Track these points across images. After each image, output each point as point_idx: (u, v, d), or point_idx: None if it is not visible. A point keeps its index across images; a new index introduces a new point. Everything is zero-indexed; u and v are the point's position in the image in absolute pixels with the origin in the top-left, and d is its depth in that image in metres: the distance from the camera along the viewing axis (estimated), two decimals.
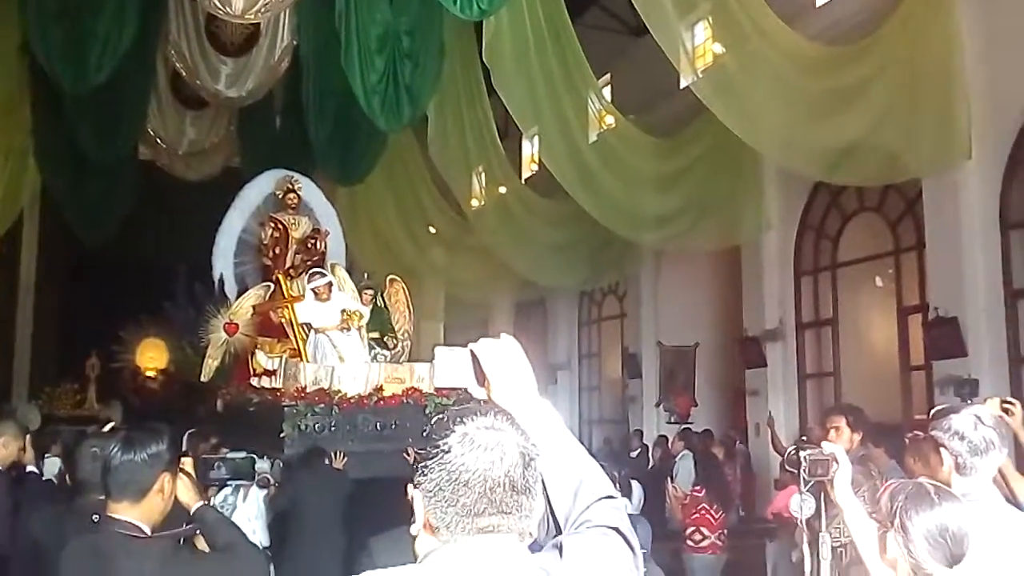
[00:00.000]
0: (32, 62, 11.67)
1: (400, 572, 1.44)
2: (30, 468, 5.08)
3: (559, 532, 1.59)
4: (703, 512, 7.03)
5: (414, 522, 1.48)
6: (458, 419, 1.46)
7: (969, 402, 3.67)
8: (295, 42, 12.75)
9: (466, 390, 1.73)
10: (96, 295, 16.47)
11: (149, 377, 17.11)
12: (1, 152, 13.24)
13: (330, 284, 9.63)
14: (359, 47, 10.36)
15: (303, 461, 7.24)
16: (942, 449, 2.71)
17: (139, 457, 2.67)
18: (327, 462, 7.23)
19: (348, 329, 9.45)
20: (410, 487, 1.48)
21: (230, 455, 5.73)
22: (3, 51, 11.61)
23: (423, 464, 1.45)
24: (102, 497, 3.30)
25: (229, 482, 5.17)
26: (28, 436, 5.09)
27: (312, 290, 9.58)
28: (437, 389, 8.51)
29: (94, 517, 2.76)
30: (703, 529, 7.02)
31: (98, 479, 3.31)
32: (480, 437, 1.43)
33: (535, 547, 1.49)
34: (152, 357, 17.07)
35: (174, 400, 15.09)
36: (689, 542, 7.04)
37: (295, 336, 9.66)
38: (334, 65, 10.87)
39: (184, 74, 13.21)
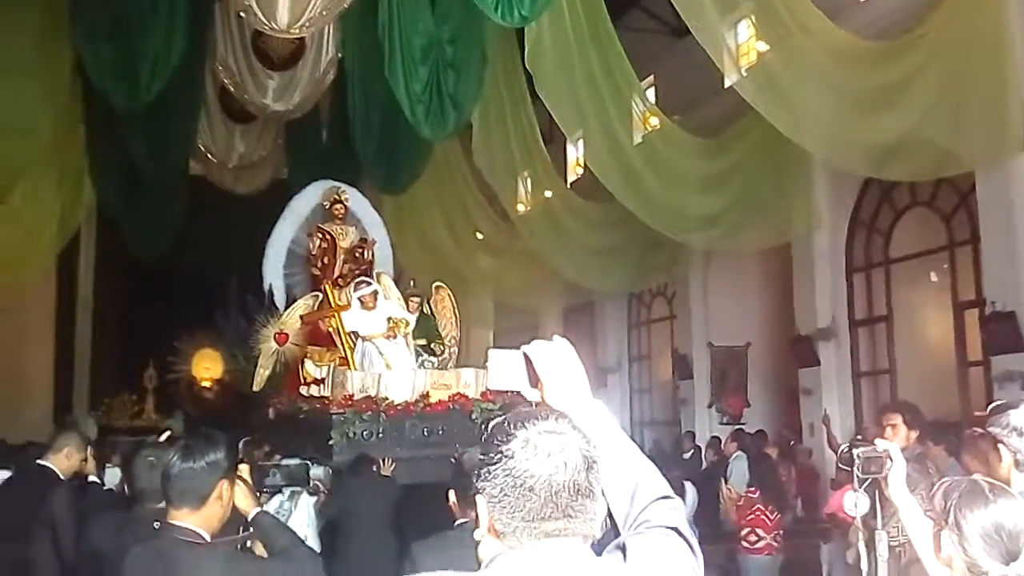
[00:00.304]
0: (85, 82, 11.95)
1: None
2: (92, 478, 5.21)
3: (617, 533, 1.60)
4: (758, 513, 6.98)
5: (478, 526, 1.50)
6: (519, 423, 1.46)
7: None
8: (340, 55, 12.89)
9: (517, 393, 1.75)
10: (152, 308, 16.78)
11: (205, 387, 17.38)
12: (57, 171, 13.56)
13: (376, 293, 9.79)
14: (403, 57, 10.46)
15: (352, 468, 7.32)
16: (1000, 446, 2.67)
17: (198, 465, 2.73)
18: (375, 469, 7.30)
19: (394, 337, 9.57)
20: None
21: (285, 462, 5.82)
22: (57, 71, 11.88)
23: (486, 469, 1.46)
24: (160, 505, 3.38)
25: (284, 488, 5.24)
26: (89, 447, 5.23)
27: (358, 299, 9.75)
28: (483, 394, 8.57)
29: (155, 524, 2.84)
30: (758, 530, 6.97)
31: (155, 487, 3.40)
32: (543, 442, 1.43)
33: (596, 547, 1.49)
34: (208, 367, 17.34)
35: (229, 409, 15.33)
36: (744, 543, 6.99)
37: (343, 344, 9.84)
38: (378, 76, 11.00)
39: (232, 89, 13.44)
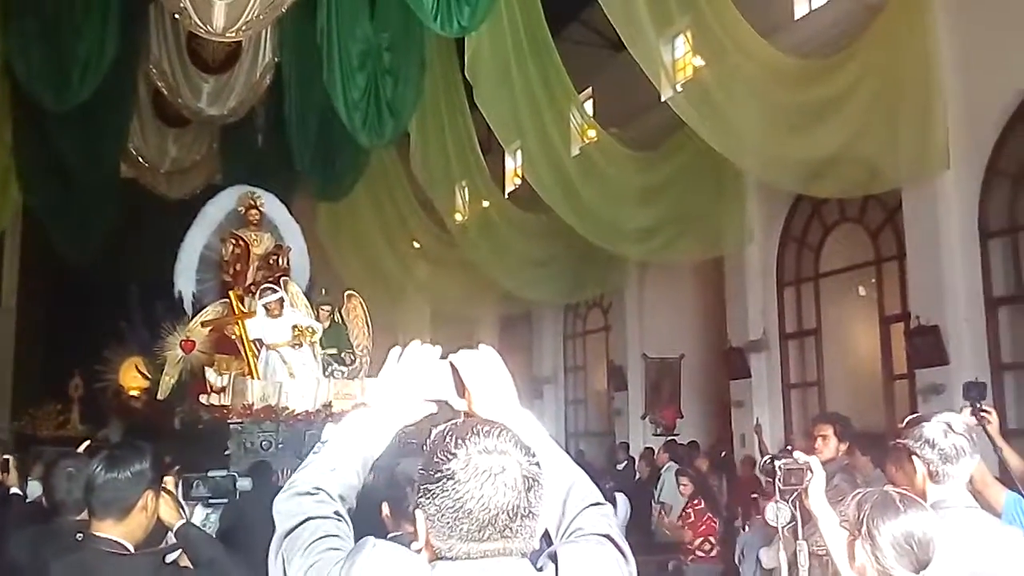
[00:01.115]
0: (12, 81, 11.63)
1: (412, 557, 1.44)
2: (13, 490, 5.05)
3: (549, 541, 1.58)
4: (708, 522, 7.11)
5: (415, 540, 1.47)
6: (459, 439, 1.43)
7: (978, 405, 3.70)
8: (277, 59, 12.77)
9: (446, 402, 1.73)
10: (78, 315, 16.35)
11: (133, 396, 16.96)
12: None
13: (281, 300, 9.62)
14: (341, 64, 10.39)
15: (251, 473, 7.14)
16: (914, 457, 2.73)
17: (123, 475, 2.68)
18: (274, 480, 7.02)
19: (300, 345, 9.44)
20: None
21: (211, 473, 5.69)
22: None
23: (425, 488, 1.43)
24: (81, 517, 3.29)
25: (209, 500, 5.13)
26: (11, 458, 5.06)
27: (263, 306, 9.55)
28: None
29: (78, 535, 2.77)
30: (711, 538, 7.14)
31: (75, 499, 3.31)
32: (484, 462, 1.41)
33: (532, 556, 1.47)
34: (136, 376, 16.93)
35: (158, 419, 14.98)
36: (699, 552, 7.09)
37: (246, 352, 9.61)
38: (316, 82, 10.92)
39: (166, 92, 13.21)
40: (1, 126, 12.94)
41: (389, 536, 3.04)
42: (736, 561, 6.61)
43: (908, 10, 8.48)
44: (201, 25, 9.81)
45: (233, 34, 10.12)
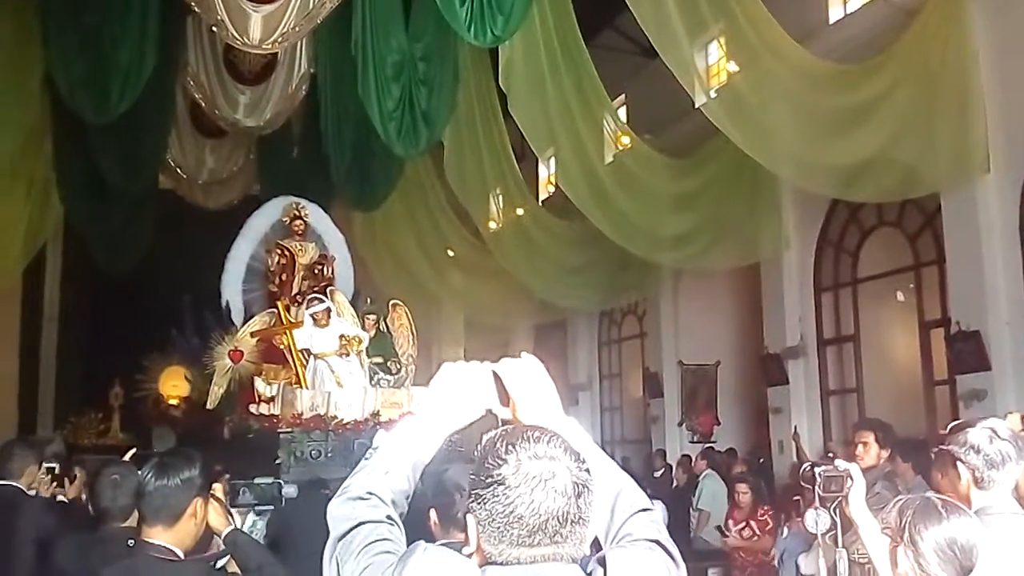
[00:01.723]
0: (54, 94, 11.83)
1: (463, 561, 1.45)
2: (60, 498, 5.13)
3: (598, 547, 1.59)
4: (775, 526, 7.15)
5: (467, 545, 1.49)
6: (510, 445, 1.45)
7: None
8: (312, 70, 12.88)
9: (490, 411, 1.75)
10: (119, 325, 16.55)
11: (172, 405, 17.17)
12: (24, 184, 13.38)
13: (328, 310, 9.67)
14: (375, 74, 10.47)
15: (302, 491, 7.22)
16: (959, 463, 2.71)
17: (172, 482, 2.73)
18: (325, 491, 7.16)
19: (347, 355, 9.49)
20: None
21: (257, 480, 5.78)
22: (26, 84, 11.75)
23: (476, 493, 1.45)
24: (123, 524, 3.35)
25: (256, 507, 5.22)
26: (56, 466, 5.15)
27: (311, 316, 9.61)
28: None
29: (129, 542, 2.82)
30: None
31: (120, 506, 3.37)
32: (534, 468, 1.42)
33: (582, 562, 1.49)
34: (175, 385, 17.14)
35: (197, 428, 15.15)
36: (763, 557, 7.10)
37: (294, 362, 9.69)
38: (351, 92, 11.00)
39: (203, 104, 13.37)
40: (42, 139, 13.16)
41: (438, 544, 3.06)
42: (776, 564, 6.55)
43: (945, 13, 8.39)
44: (238, 37, 9.94)
45: (269, 46, 10.24)
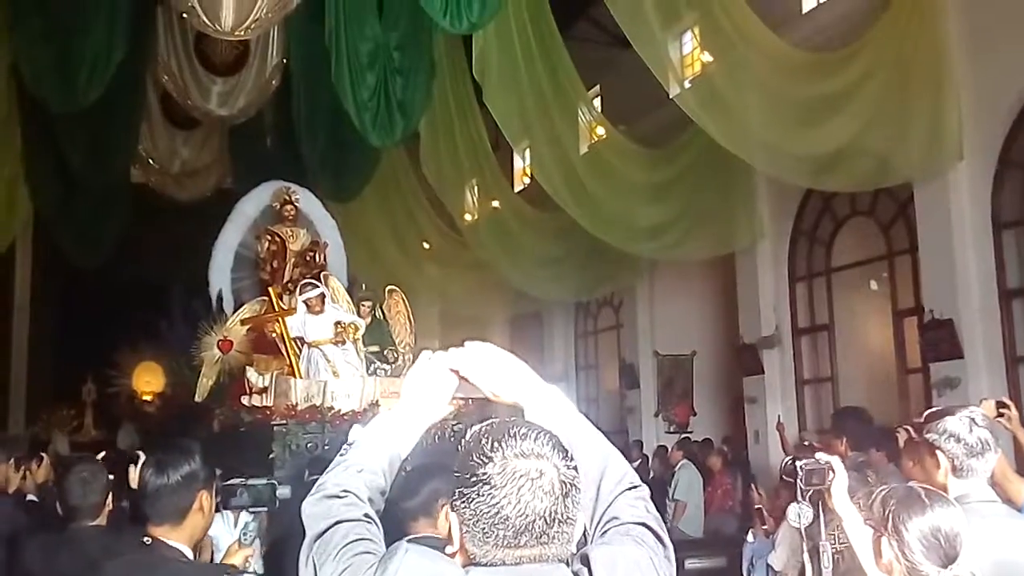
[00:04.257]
0: (21, 85, 11.64)
1: (446, 562, 1.42)
2: (30, 497, 5.06)
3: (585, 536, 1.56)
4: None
5: (450, 543, 1.45)
6: (495, 442, 1.41)
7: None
8: (285, 60, 12.76)
9: (474, 398, 1.71)
10: (91, 318, 16.41)
11: (146, 401, 17.02)
12: None
13: (323, 296, 9.20)
14: (349, 63, 10.36)
15: (295, 490, 7.02)
16: (938, 452, 2.71)
17: (173, 480, 2.66)
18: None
19: (343, 343, 9.05)
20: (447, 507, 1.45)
21: (251, 481, 5.67)
22: None
23: (461, 491, 1.41)
24: (93, 523, 3.29)
25: (250, 509, 5.14)
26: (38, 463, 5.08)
27: (304, 302, 9.14)
28: None
29: (145, 540, 2.73)
30: None
31: (89, 504, 3.31)
32: (521, 466, 1.38)
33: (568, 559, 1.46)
34: (149, 381, 16.96)
35: (172, 423, 14.96)
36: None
37: (287, 351, 9.27)
38: (325, 82, 10.87)
39: (175, 94, 13.21)
40: (11, 131, 12.95)
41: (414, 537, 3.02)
42: (745, 572, 6.54)
43: (918, 1, 8.42)
44: (209, 24, 9.79)
45: (242, 33, 10.09)
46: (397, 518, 3.27)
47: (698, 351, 14.35)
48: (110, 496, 3.49)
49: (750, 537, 6.54)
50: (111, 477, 3.66)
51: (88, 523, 3.37)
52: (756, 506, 7.12)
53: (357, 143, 11.71)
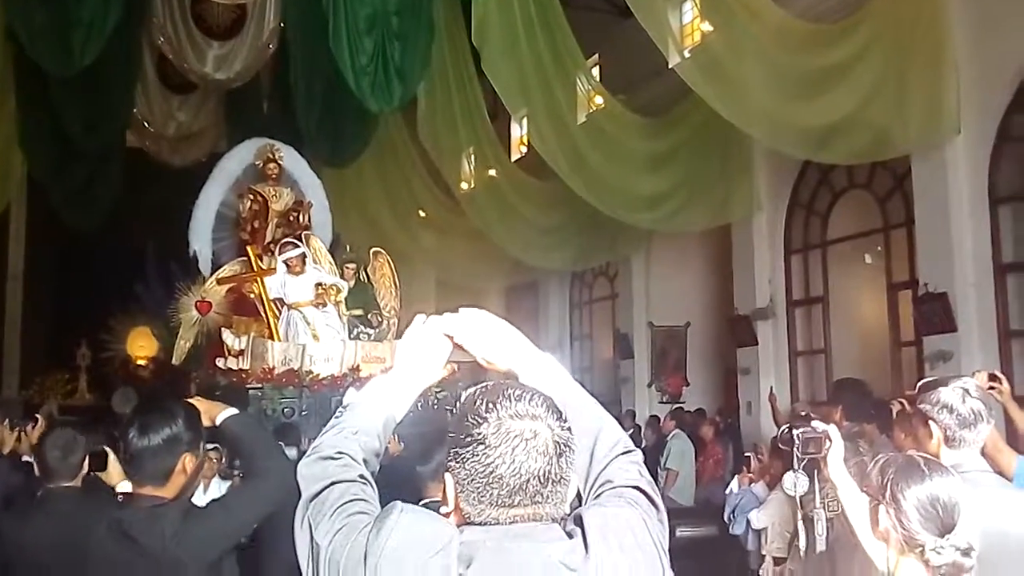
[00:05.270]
0: (16, 48, 11.54)
1: (440, 522, 1.43)
2: (25, 458, 5.09)
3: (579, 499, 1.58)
4: None
5: (445, 504, 1.48)
6: (490, 403, 1.44)
7: None
8: (283, 24, 12.66)
9: (463, 362, 1.72)
10: (85, 283, 16.38)
11: (140, 365, 17.04)
12: None
13: (304, 256, 9.01)
14: (347, 28, 10.28)
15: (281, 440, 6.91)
16: (931, 422, 2.73)
17: (154, 442, 2.65)
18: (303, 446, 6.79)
19: (324, 305, 8.86)
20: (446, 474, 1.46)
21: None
22: None
23: (456, 452, 1.43)
24: (69, 483, 3.36)
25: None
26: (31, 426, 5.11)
27: (284, 262, 8.93)
28: None
29: (119, 498, 2.76)
30: None
31: (66, 466, 3.38)
32: (515, 427, 1.41)
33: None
34: (143, 346, 16.99)
35: (159, 388, 14.94)
36: None
37: (266, 313, 9.06)
38: (322, 46, 10.79)
39: (171, 57, 13.13)
40: (5, 94, 12.86)
41: (422, 502, 3.05)
42: (726, 520, 6.56)
43: None
44: None
45: None
46: (415, 483, 3.32)
47: (692, 322, 14.40)
48: (85, 461, 3.51)
49: (734, 487, 6.55)
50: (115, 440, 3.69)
51: (64, 483, 3.41)
52: (746, 454, 7.14)
53: (354, 108, 11.65)
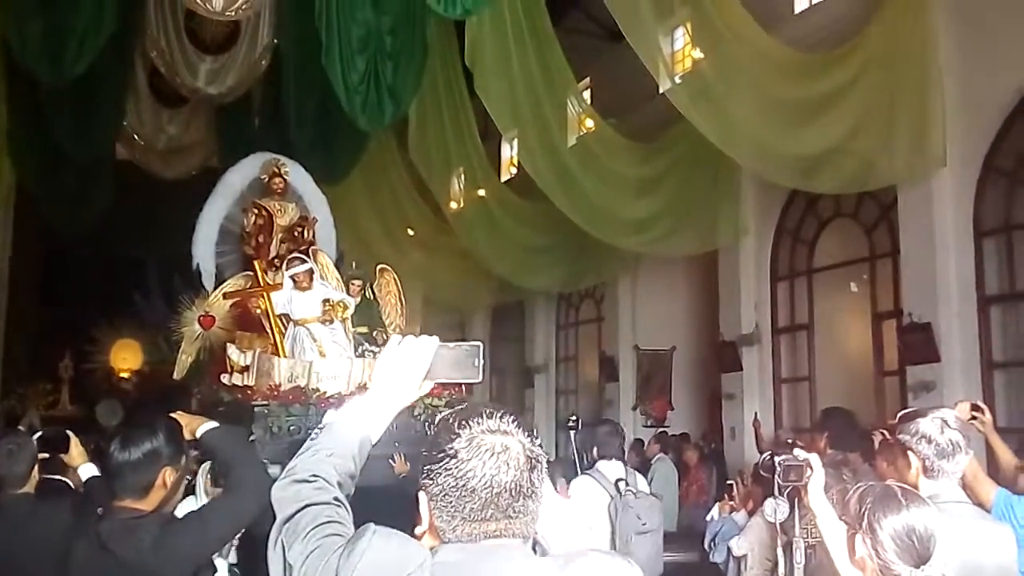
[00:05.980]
0: (8, 58, 11.52)
1: (412, 544, 1.45)
2: None
3: None
4: None
5: (419, 524, 1.49)
6: (463, 421, 1.46)
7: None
8: (275, 41, 12.69)
9: (460, 388, 1.75)
10: (69, 295, 16.30)
11: (123, 378, 16.93)
12: None
13: (311, 272, 8.86)
14: (340, 47, 10.30)
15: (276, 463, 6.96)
16: (910, 452, 2.75)
17: (135, 456, 2.68)
18: None
19: (331, 321, 8.70)
20: (421, 495, 1.48)
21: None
22: None
23: (429, 468, 1.45)
24: (20, 491, 3.38)
25: None
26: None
27: (291, 277, 8.78)
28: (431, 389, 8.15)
29: (99, 511, 2.79)
30: None
31: (15, 474, 3.42)
32: (487, 441, 1.43)
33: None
34: (126, 358, 16.88)
35: (149, 402, 14.81)
36: None
37: (272, 328, 8.92)
38: (315, 64, 10.80)
39: (163, 70, 13.11)
40: None
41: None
42: (706, 548, 6.55)
43: (908, 5, 8.47)
44: (200, 3, 9.76)
45: (232, 13, 10.07)
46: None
47: (678, 346, 14.42)
48: (36, 466, 3.54)
49: (715, 514, 6.54)
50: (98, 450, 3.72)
51: (15, 492, 3.44)
52: (728, 481, 7.13)
53: (345, 126, 11.65)
